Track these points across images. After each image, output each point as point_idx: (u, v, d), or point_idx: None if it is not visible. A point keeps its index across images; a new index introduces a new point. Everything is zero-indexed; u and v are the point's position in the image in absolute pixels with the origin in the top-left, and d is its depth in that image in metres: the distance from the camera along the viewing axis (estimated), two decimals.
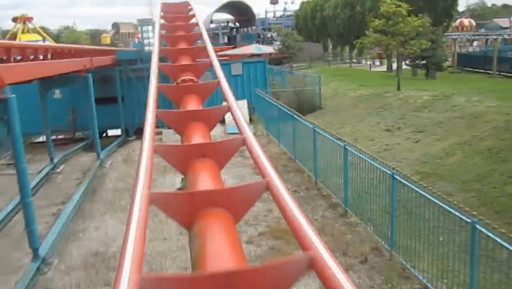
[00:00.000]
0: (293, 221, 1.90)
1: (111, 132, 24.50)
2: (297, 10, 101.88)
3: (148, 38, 29.22)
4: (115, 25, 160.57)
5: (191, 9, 7.33)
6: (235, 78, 24.19)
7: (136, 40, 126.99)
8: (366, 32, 27.82)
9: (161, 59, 5.06)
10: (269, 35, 60.65)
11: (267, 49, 45.84)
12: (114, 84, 22.36)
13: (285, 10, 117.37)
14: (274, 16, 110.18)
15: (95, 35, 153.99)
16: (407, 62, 34.25)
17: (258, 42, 58.63)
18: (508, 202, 10.79)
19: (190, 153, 2.69)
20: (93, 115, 17.86)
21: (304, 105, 24.61)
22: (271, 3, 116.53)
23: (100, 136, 20.52)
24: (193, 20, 6.82)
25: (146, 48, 26.59)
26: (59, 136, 22.45)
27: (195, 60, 5.03)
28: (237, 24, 70.03)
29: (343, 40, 52.87)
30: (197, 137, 3.06)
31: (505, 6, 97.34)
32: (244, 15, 59.98)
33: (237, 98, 5.12)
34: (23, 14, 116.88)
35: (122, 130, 22.84)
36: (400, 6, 25.50)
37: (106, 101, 21.36)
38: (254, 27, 63.80)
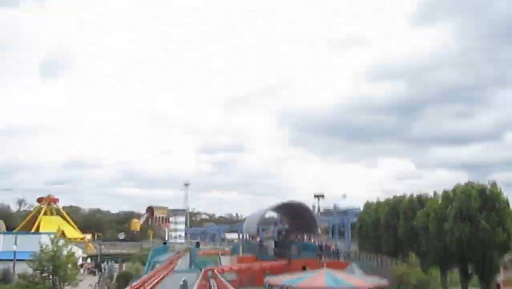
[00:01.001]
0: None
1: None
2: (358, 211, 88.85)
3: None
4: (150, 209, 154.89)
5: None
6: None
7: (166, 230, 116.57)
8: None
9: None
10: (333, 246, 46.31)
11: (354, 283, 30.63)
12: None
13: (335, 207, 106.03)
14: (318, 212, 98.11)
15: (127, 218, 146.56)
16: None
17: (319, 256, 44.25)
18: None
19: None
20: None
21: None
22: (316, 196, 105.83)
23: None
24: None
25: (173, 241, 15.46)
26: None
27: None
28: (286, 226, 56.99)
29: (446, 261, 37.81)
30: None
31: None
32: (300, 219, 47.21)
33: None
34: (48, 195, 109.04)
35: None
36: None
37: None
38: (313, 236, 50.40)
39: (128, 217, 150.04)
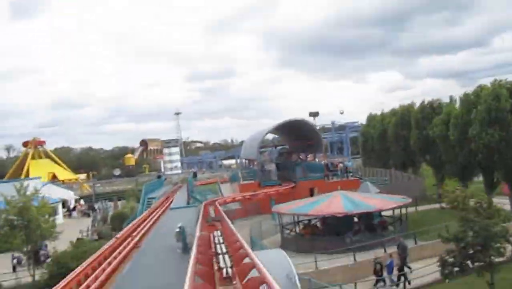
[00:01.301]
0: None
1: None
2: (358, 125, 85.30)
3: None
4: (143, 142, 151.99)
5: None
6: None
7: (162, 162, 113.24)
8: None
9: None
10: (340, 165, 42.70)
11: (376, 204, 27.01)
12: None
13: (333, 123, 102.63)
14: None
15: (122, 154, 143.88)
16: None
17: (326, 176, 40.77)
18: None
19: None
20: None
21: None
22: (311, 115, 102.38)
23: None
24: None
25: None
26: None
27: None
28: (287, 148, 53.18)
29: (469, 171, 34.41)
30: None
31: None
32: (305, 138, 43.08)
33: None
34: (34, 138, 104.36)
35: None
36: None
37: None
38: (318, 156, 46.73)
39: (122, 152, 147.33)
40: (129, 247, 15.69)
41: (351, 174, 42.08)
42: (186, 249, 14.43)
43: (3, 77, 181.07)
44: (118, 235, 17.21)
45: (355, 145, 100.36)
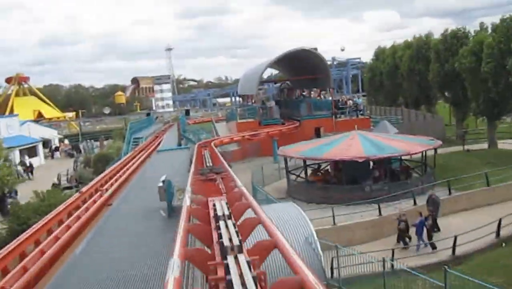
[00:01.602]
0: None
1: None
2: (359, 62, 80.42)
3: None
4: (135, 80, 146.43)
5: None
6: None
7: (153, 100, 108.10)
8: None
9: None
10: (350, 102, 38.26)
11: (401, 147, 22.59)
12: None
13: (334, 59, 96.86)
14: None
15: (113, 92, 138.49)
16: None
17: (334, 115, 36.53)
18: None
19: None
20: None
21: None
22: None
23: None
24: None
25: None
26: None
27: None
28: (288, 83, 48.49)
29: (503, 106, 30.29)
30: None
31: None
32: (310, 72, 38.17)
33: None
34: (17, 73, 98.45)
35: None
36: None
37: None
38: (323, 92, 42.02)
39: (113, 91, 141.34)
40: (95, 206, 11.60)
41: (361, 112, 37.72)
42: (172, 212, 10.40)
43: None
44: (84, 189, 13.01)
45: (354, 82, 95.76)
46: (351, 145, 22.60)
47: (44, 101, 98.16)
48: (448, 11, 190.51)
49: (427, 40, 41.92)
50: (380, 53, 53.72)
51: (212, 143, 24.89)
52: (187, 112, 55.58)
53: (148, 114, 56.27)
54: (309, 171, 25.22)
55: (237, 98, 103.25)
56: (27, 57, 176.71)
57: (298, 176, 25.33)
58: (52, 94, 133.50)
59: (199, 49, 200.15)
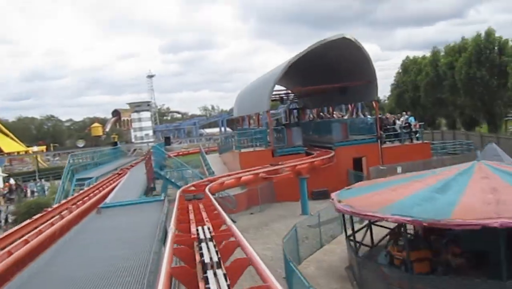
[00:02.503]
0: None
1: None
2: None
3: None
4: (116, 112, 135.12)
5: None
6: None
7: (132, 131, 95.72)
8: None
9: None
10: (398, 121, 26.70)
11: None
12: None
13: None
14: None
15: (87, 126, 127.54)
16: None
17: (379, 139, 25.10)
18: None
19: None
20: None
21: None
22: None
23: None
24: None
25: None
26: None
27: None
28: (297, 102, 37.13)
29: None
30: None
31: None
32: (346, 75, 26.39)
33: None
34: None
35: None
36: None
37: None
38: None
39: (92, 124, 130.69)
40: None
41: (416, 135, 26.26)
42: None
43: None
44: None
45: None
46: (495, 189, 10.88)
47: (6, 134, 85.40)
48: (427, 44, 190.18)
49: (490, 38, 31.18)
50: (410, 65, 43.00)
51: (207, 189, 13.19)
52: (167, 140, 43.51)
53: (114, 144, 44.06)
54: (389, 240, 13.34)
55: (226, 129, 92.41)
56: (10, 92, 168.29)
57: (361, 243, 13.54)
58: (26, 127, 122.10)
59: (184, 83, 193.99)
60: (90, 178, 20.30)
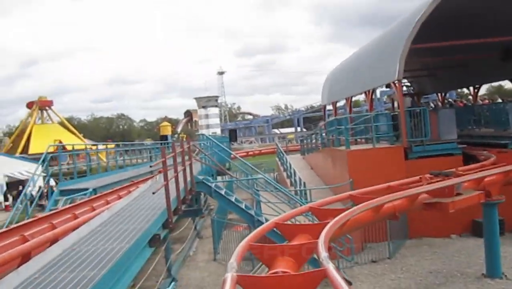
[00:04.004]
0: None
1: None
2: None
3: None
4: (188, 113, 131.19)
5: None
6: None
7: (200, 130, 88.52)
8: None
9: None
10: None
11: None
12: None
13: None
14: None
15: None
16: None
17: None
18: None
19: None
20: None
21: None
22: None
23: None
24: None
25: None
26: None
27: None
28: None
29: None
30: None
31: None
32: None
33: None
34: (40, 96, 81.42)
35: None
36: None
37: None
38: None
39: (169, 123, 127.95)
40: None
41: None
42: None
43: (64, 55, 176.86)
44: None
45: None
46: None
47: (69, 130, 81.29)
48: None
49: None
50: None
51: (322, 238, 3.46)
52: (233, 134, 34.07)
53: (163, 138, 35.58)
54: None
55: (302, 129, 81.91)
56: (94, 95, 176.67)
57: None
58: (97, 126, 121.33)
59: (256, 86, 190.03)
60: (83, 191, 11.35)
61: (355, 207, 6.66)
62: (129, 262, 5.08)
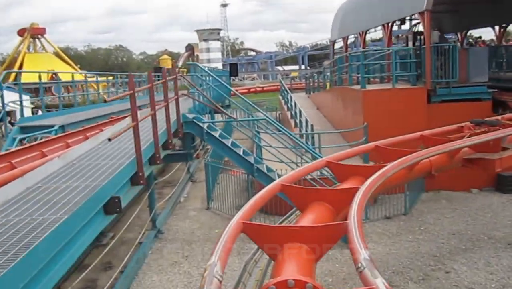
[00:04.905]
0: None
1: None
2: None
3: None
4: (190, 47, 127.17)
5: None
6: None
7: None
8: None
9: None
10: None
11: None
12: None
13: None
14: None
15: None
16: None
17: None
18: None
19: None
20: None
21: None
22: None
23: None
24: None
25: None
26: None
27: None
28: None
29: None
30: None
31: None
32: None
33: None
34: (32, 23, 77.77)
35: None
36: None
37: None
38: None
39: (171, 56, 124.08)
40: None
41: None
42: None
43: None
44: None
45: None
46: None
47: (64, 60, 78.21)
48: None
49: None
50: None
51: None
52: (233, 68, 31.82)
53: (157, 70, 33.58)
54: None
55: (307, 67, 79.00)
56: (93, 26, 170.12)
57: None
58: (95, 57, 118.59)
59: (261, 22, 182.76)
60: (52, 127, 9.61)
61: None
62: (76, 235, 3.53)
